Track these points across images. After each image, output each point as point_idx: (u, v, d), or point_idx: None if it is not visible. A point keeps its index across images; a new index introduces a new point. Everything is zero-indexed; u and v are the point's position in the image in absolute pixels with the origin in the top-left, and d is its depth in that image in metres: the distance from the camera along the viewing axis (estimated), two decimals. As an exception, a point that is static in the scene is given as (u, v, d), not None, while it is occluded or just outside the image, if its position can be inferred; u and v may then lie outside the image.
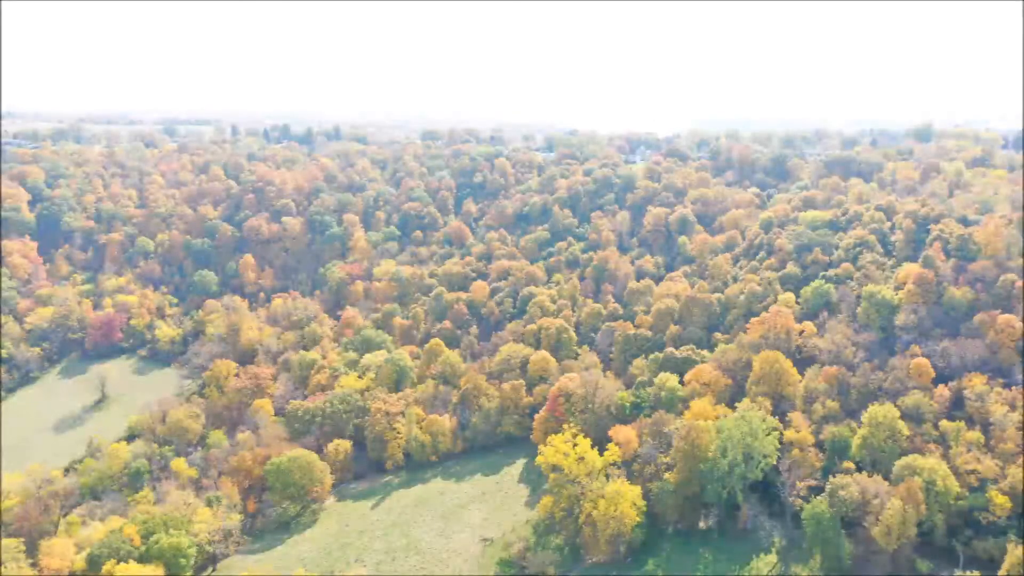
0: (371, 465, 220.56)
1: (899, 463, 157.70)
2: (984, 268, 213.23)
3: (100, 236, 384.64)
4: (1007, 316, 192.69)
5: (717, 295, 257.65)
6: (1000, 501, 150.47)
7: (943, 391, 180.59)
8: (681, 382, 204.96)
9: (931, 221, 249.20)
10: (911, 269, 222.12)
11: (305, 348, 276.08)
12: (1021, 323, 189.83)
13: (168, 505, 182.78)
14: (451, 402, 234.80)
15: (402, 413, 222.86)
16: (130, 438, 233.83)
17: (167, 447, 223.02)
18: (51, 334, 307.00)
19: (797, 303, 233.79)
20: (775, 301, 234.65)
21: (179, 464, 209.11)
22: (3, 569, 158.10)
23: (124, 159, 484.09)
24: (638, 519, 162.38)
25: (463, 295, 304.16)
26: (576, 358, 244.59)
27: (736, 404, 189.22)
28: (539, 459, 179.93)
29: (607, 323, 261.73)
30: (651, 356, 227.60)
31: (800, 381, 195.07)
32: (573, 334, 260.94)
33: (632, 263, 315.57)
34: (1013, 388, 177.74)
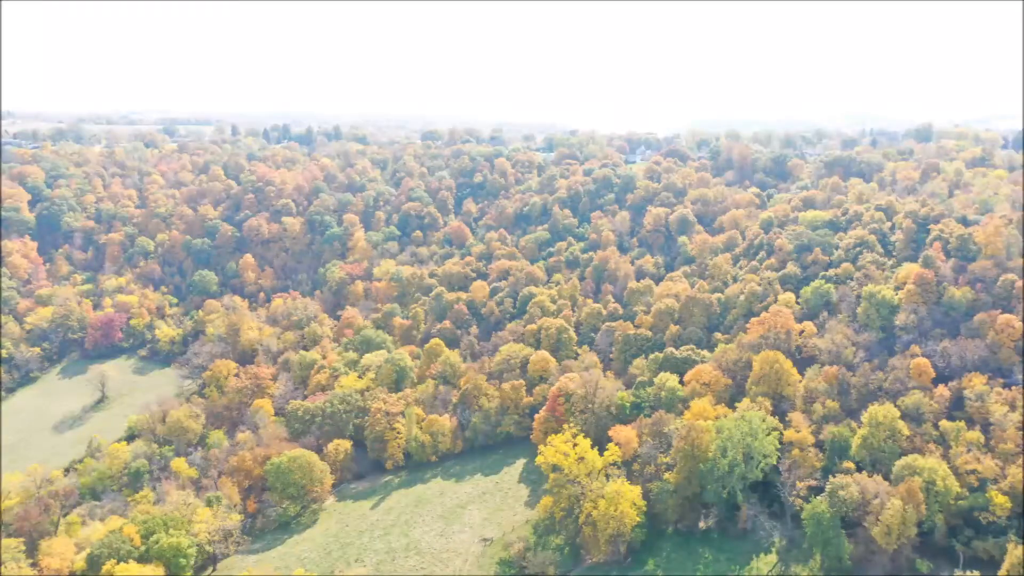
0: (371, 465, 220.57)
1: (899, 463, 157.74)
2: (984, 268, 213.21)
3: (100, 236, 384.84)
4: (1007, 316, 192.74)
5: (717, 295, 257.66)
6: (1000, 501, 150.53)
7: (943, 391, 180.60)
8: (681, 382, 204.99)
9: (931, 221, 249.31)
10: (911, 269, 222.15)
11: (305, 348, 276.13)
12: (1021, 323, 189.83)
13: (168, 505, 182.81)
14: (451, 402, 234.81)
15: (402, 413, 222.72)
16: (130, 438, 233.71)
17: (167, 447, 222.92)
18: (51, 334, 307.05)
19: (797, 303, 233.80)
20: (775, 301, 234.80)
21: (179, 464, 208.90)
22: (3, 569, 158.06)
23: (124, 159, 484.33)
24: (638, 519, 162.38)
25: (463, 295, 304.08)
26: (576, 358, 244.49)
27: (736, 404, 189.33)
28: (539, 459, 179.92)
29: (607, 323, 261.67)
30: (651, 356, 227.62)
31: (800, 381, 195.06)
32: (573, 334, 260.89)
33: (632, 263, 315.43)
34: (1013, 388, 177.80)
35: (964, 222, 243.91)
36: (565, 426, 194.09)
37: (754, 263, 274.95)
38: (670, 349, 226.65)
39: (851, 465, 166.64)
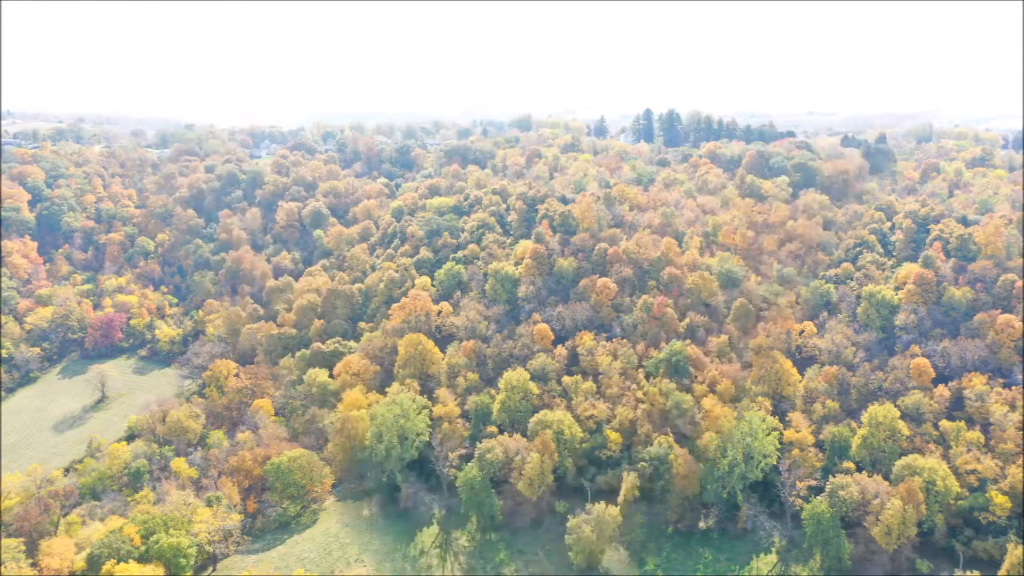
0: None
1: (899, 463, 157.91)
2: (984, 268, 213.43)
3: (100, 236, 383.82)
4: (1007, 316, 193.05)
5: (358, 285, 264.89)
6: (1000, 501, 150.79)
7: (943, 391, 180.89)
8: (331, 375, 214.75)
9: (931, 221, 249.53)
10: (911, 269, 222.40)
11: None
12: (1021, 323, 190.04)
13: (168, 505, 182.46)
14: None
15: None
16: (130, 438, 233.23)
17: (167, 447, 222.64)
18: (51, 334, 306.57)
19: (432, 286, 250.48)
20: (413, 285, 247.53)
21: (179, 464, 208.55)
22: (3, 569, 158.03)
23: (124, 159, 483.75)
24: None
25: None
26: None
27: (386, 389, 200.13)
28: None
29: (248, 325, 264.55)
30: (298, 353, 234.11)
31: (800, 381, 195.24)
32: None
33: (268, 261, 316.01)
34: (1013, 388, 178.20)
35: (964, 222, 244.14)
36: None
37: (390, 251, 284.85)
38: (317, 344, 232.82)
39: (851, 465, 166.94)
